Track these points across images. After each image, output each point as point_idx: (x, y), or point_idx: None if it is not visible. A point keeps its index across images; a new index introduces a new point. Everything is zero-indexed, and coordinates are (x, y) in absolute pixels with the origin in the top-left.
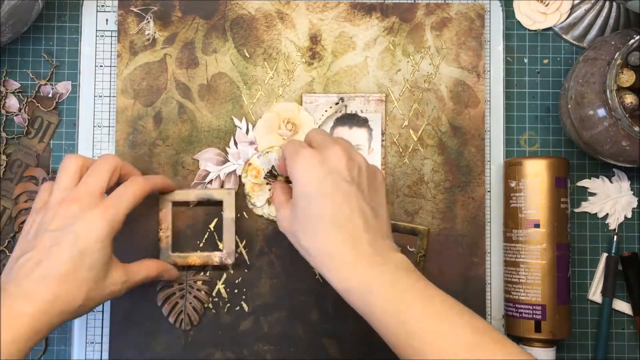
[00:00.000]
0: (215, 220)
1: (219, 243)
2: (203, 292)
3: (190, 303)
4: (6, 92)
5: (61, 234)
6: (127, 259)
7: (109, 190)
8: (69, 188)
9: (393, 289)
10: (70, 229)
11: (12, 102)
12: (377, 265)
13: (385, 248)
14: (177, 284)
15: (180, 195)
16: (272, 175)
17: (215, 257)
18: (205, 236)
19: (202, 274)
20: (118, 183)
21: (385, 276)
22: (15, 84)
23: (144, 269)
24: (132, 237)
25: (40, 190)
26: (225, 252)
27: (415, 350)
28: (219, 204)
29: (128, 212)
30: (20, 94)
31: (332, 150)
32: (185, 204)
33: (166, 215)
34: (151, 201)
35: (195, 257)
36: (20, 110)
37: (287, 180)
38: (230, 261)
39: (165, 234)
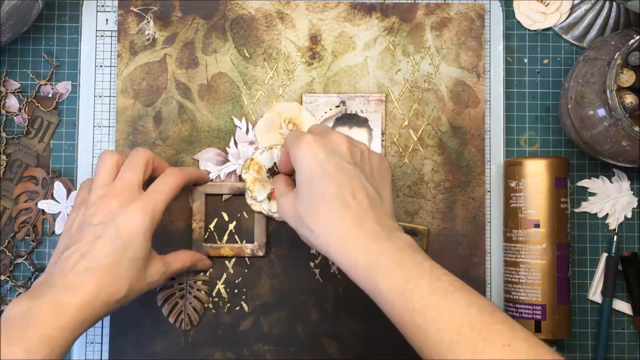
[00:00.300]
0: (216, 220)
1: (218, 242)
2: (203, 292)
3: (190, 303)
4: (6, 92)
5: (103, 228)
6: (159, 249)
7: (144, 183)
8: (107, 184)
9: (399, 266)
10: (112, 223)
11: (12, 102)
12: (383, 242)
13: (391, 227)
14: (177, 284)
15: (213, 188)
16: (274, 171)
17: (247, 249)
18: (206, 235)
19: (202, 274)
20: (151, 177)
21: (392, 253)
22: (15, 84)
23: (180, 259)
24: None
25: (80, 188)
26: (256, 244)
27: (419, 329)
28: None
29: (167, 204)
30: (20, 94)
31: (333, 135)
32: (219, 196)
33: (199, 207)
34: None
35: (227, 249)
36: (20, 110)
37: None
38: (261, 253)
39: (199, 225)
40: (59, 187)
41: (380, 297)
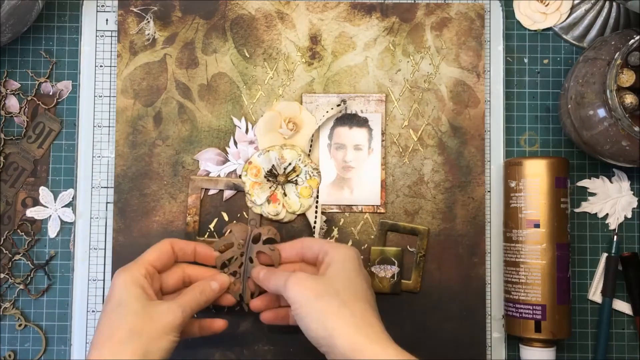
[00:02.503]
0: (216, 220)
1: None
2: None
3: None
4: (6, 93)
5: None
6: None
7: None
8: None
9: None
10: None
11: (12, 103)
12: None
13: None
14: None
15: (209, 182)
16: (272, 173)
17: None
18: (206, 235)
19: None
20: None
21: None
22: (15, 84)
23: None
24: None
25: None
26: None
27: None
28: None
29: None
30: (20, 94)
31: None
32: (215, 193)
33: (195, 201)
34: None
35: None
36: (21, 110)
37: (287, 181)
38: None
39: (193, 219)
40: (44, 192)
41: None
